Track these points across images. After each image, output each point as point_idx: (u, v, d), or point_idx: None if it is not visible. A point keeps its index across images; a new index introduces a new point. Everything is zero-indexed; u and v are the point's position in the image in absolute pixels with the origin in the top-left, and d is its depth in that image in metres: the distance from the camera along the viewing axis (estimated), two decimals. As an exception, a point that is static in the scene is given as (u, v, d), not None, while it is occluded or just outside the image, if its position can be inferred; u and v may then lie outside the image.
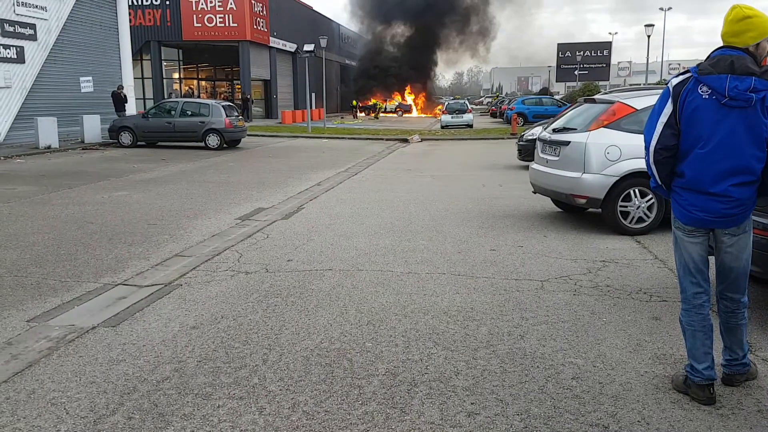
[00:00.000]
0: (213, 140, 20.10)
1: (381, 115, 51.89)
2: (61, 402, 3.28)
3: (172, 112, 20.80)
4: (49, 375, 3.60)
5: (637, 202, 7.18)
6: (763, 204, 3.93)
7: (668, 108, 3.17)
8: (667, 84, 3.30)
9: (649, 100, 6.96)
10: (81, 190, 11.22)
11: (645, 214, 7.22)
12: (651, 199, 7.17)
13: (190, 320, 4.48)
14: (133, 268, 5.91)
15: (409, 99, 61.34)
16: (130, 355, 3.87)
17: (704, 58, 3.23)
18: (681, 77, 3.22)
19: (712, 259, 3.33)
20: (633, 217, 7.23)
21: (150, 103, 34.48)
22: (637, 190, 7.15)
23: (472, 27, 66.75)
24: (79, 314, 4.64)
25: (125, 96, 23.80)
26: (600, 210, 7.44)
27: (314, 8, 53.82)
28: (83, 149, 20.14)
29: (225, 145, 20.29)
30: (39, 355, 3.88)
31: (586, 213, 8.46)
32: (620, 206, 7.21)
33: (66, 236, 7.30)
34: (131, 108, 24.92)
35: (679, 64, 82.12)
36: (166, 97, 37.58)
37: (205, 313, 4.64)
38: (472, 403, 3.23)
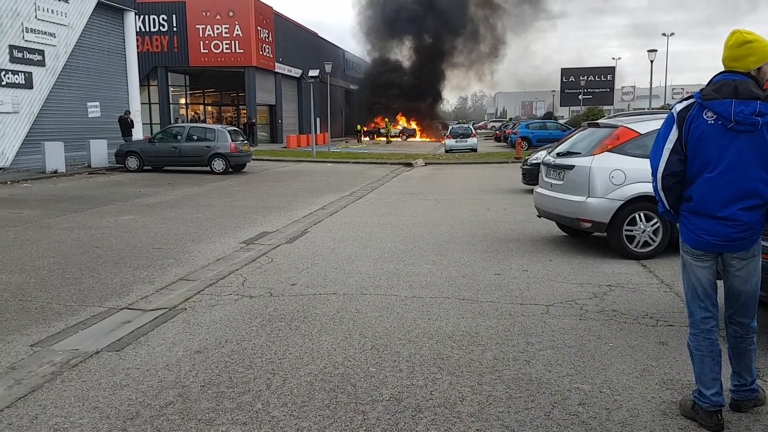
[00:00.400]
0: (218, 165, 20.23)
1: (383, 139, 52.07)
2: (63, 428, 3.26)
3: (179, 137, 20.99)
4: (52, 400, 3.59)
5: (642, 226, 7.17)
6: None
7: (674, 134, 3.18)
8: (670, 110, 3.32)
9: (653, 124, 6.99)
10: (87, 214, 11.28)
11: (651, 238, 7.20)
12: (656, 223, 7.16)
13: (194, 345, 4.47)
14: (138, 292, 5.91)
15: (413, 124, 61.73)
16: (134, 380, 3.85)
17: (706, 83, 3.26)
18: (684, 103, 3.23)
19: (719, 284, 3.32)
20: (638, 241, 7.21)
21: (157, 128, 34.81)
22: (642, 214, 7.15)
23: (479, 49, 67.42)
24: (83, 339, 4.64)
25: (132, 121, 24.05)
26: (605, 234, 7.43)
27: (319, 34, 54.51)
28: (90, 173, 20.29)
29: (230, 170, 20.42)
30: (42, 380, 3.87)
31: (592, 237, 8.45)
32: (626, 230, 7.19)
33: (71, 260, 7.33)
34: (138, 133, 25.17)
35: (683, 89, 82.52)
36: (173, 121, 37.95)
37: (209, 337, 4.63)
38: (477, 430, 3.20)
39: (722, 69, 3.20)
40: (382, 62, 62.24)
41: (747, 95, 3.02)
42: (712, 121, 3.09)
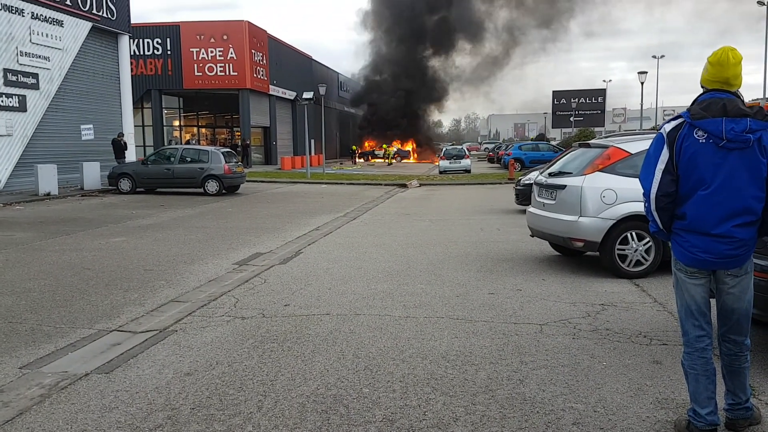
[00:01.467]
0: (212, 186, 20.21)
1: (377, 161, 52.19)
2: (50, 451, 3.20)
3: (172, 159, 20.99)
4: (40, 423, 3.53)
5: (634, 246, 7.19)
6: (760, 245, 3.94)
7: (665, 154, 3.19)
8: (659, 130, 3.33)
9: (644, 144, 7.05)
10: (79, 236, 11.22)
11: (643, 257, 7.21)
12: (648, 242, 7.18)
13: (185, 366, 4.42)
14: (129, 314, 5.86)
15: (405, 147, 61.97)
16: (123, 403, 3.80)
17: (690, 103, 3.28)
18: (674, 123, 3.23)
19: (713, 302, 3.32)
20: (631, 261, 7.22)
21: (150, 150, 34.81)
22: (634, 233, 7.17)
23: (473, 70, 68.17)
24: (73, 361, 4.59)
25: (125, 143, 24.07)
26: (598, 253, 7.44)
27: (313, 57, 54.94)
28: (82, 196, 20.23)
29: (224, 191, 20.40)
30: (31, 403, 3.81)
31: (585, 256, 8.46)
32: (618, 249, 7.21)
33: (62, 282, 7.27)
34: (131, 155, 25.17)
35: (674, 110, 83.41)
36: (166, 143, 37.97)
37: (200, 359, 4.58)
38: (471, 450, 3.16)
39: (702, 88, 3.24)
40: (375, 84, 62.62)
41: (737, 113, 3.05)
42: (704, 140, 3.10)
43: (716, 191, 3.08)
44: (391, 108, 59.54)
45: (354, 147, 54.33)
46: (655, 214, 3.26)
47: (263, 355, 4.64)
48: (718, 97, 3.12)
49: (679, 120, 3.22)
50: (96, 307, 6.15)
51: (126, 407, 3.73)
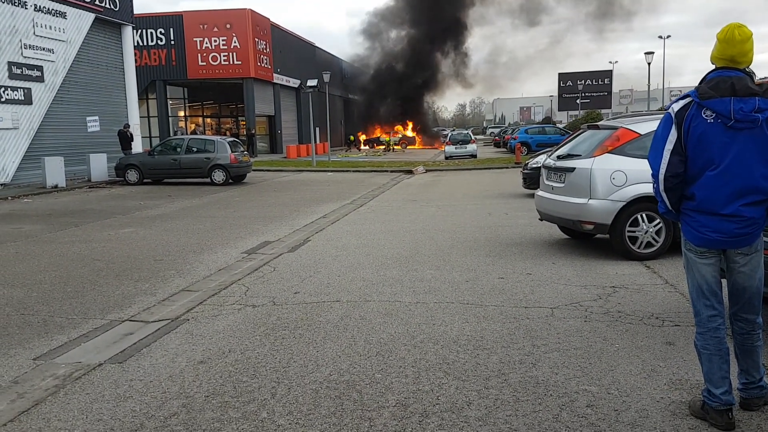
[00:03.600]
0: (218, 176, 20.24)
1: (382, 147, 51.89)
2: (67, 440, 3.23)
3: (178, 149, 21.01)
4: (56, 413, 3.56)
5: (645, 227, 7.15)
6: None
7: (673, 134, 3.15)
8: (667, 110, 3.29)
9: (653, 125, 6.95)
10: (87, 227, 11.27)
11: (653, 238, 7.18)
12: (659, 223, 7.14)
13: (198, 355, 4.45)
14: (140, 304, 5.89)
15: (409, 132, 61.72)
16: (137, 392, 3.83)
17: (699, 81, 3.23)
18: (681, 102, 3.19)
19: (724, 282, 3.30)
20: (641, 242, 7.19)
21: (156, 141, 34.86)
22: (644, 215, 7.13)
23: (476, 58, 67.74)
24: (86, 351, 4.62)
25: (131, 134, 24.09)
26: (608, 236, 7.40)
27: (316, 44, 54.67)
28: (90, 187, 20.31)
29: (230, 181, 20.43)
30: (45, 393, 3.84)
31: (594, 239, 8.42)
32: (628, 231, 7.17)
33: (73, 274, 7.31)
34: (137, 146, 25.21)
35: (680, 91, 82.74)
36: (172, 134, 37.99)
37: (213, 347, 4.61)
38: (485, 434, 3.17)
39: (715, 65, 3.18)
40: (378, 70, 62.19)
41: (745, 92, 3.00)
42: (712, 120, 3.06)
43: (725, 171, 3.05)
44: (393, 94, 59.18)
45: (351, 137, 54.15)
46: (663, 194, 3.24)
47: (275, 343, 4.65)
48: (727, 75, 3.07)
49: (687, 99, 3.17)
50: (107, 297, 6.18)
51: (140, 396, 3.76)
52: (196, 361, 4.31)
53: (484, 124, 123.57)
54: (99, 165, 22.08)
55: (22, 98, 20.73)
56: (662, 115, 3.33)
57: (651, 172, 3.28)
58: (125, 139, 23.56)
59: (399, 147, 54.37)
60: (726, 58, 3.11)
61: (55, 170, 19.84)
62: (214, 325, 5.16)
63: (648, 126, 7.19)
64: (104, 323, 5.30)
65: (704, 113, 3.08)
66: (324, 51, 56.66)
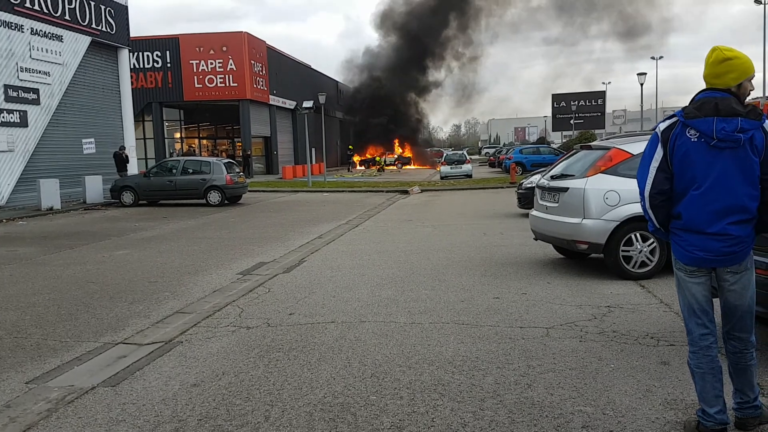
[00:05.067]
0: (214, 197, 20.25)
1: (381, 168, 52.09)
2: (58, 465, 3.20)
3: (174, 171, 21.05)
4: (47, 438, 3.53)
5: (639, 247, 7.17)
6: (763, 242, 3.93)
7: (659, 153, 3.22)
8: (654, 129, 3.35)
9: (645, 145, 7.04)
10: (82, 250, 11.24)
11: (647, 258, 7.20)
12: (653, 242, 7.17)
13: (191, 378, 4.42)
14: (134, 327, 5.86)
15: (397, 154, 61.92)
16: (130, 415, 3.80)
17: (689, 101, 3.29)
18: (668, 122, 3.27)
19: (716, 301, 3.31)
20: (636, 262, 7.21)
21: (152, 163, 34.90)
22: (638, 235, 7.15)
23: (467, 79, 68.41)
24: (79, 374, 4.59)
25: (127, 156, 24.14)
26: (602, 255, 7.42)
27: (312, 66, 55.09)
28: (85, 210, 20.28)
29: (226, 202, 20.44)
30: (38, 417, 3.81)
31: (589, 258, 8.44)
32: (622, 251, 7.19)
33: (66, 296, 7.28)
34: (133, 168, 25.24)
35: (673, 111, 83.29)
36: (168, 156, 38.05)
37: (206, 370, 4.58)
38: (480, 456, 3.15)
39: (704, 87, 3.24)
40: (371, 94, 62.55)
41: (728, 112, 3.05)
42: (695, 139, 3.12)
43: (708, 190, 3.09)
44: (386, 115, 59.48)
45: (351, 147, 54.74)
46: (650, 211, 3.29)
47: (269, 365, 4.63)
48: (712, 96, 3.14)
49: (673, 119, 3.25)
50: (101, 320, 6.15)
51: (133, 420, 3.73)
52: (190, 384, 4.29)
53: (480, 144, 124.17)
54: (94, 187, 22.08)
55: (18, 121, 20.79)
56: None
57: (638, 190, 3.34)
58: (121, 161, 23.60)
59: (394, 167, 54.56)
60: (706, 78, 3.19)
61: (50, 192, 19.82)
62: (208, 347, 5.14)
63: (640, 146, 7.24)
64: (97, 346, 5.27)
65: (688, 132, 3.14)
66: (319, 73, 57.11)
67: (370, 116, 60.10)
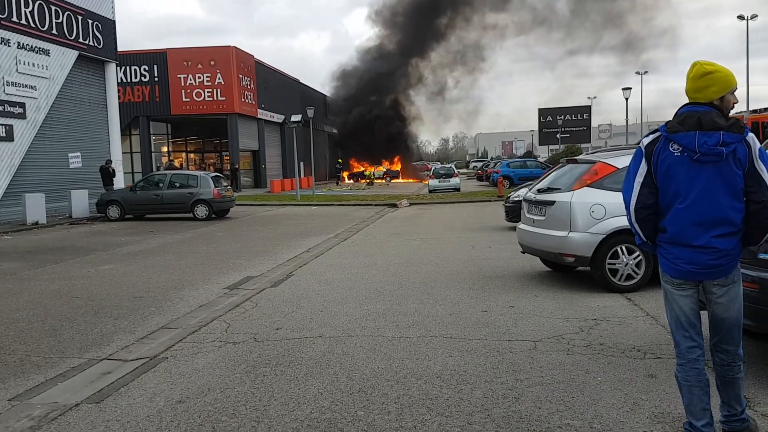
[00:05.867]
0: (201, 211, 20.15)
1: (370, 182, 52.10)
2: (40, 485, 3.14)
3: (160, 185, 20.93)
4: (29, 456, 3.46)
5: (625, 260, 7.21)
6: (749, 255, 3.96)
7: (643, 168, 3.25)
8: (638, 144, 3.39)
9: (629, 159, 7.10)
10: (67, 264, 11.12)
11: (633, 271, 7.23)
12: (639, 255, 7.20)
13: (176, 394, 4.37)
14: (119, 342, 5.79)
15: (385, 168, 61.98)
16: (114, 433, 3.74)
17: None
18: (651, 137, 3.30)
19: (704, 314, 3.33)
20: (622, 275, 7.24)
21: (138, 177, 34.70)
22: (624, 248, 7.19)
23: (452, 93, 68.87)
24: (63, 391, 4.51)
25: (113, 170, 23.98)
26: (589, 268, 7.45)
27: (301, 80, 55.20)
28: (71, 224, 20.09)
29: (213, 216, 20.33)
30: (19, 436, 3.74)
31: (576, 271, 8.47)
32: (608, 264, 7.23)
33: (51, 311, 7.18)
34: (119, 182, 25.06)
35: (657, 125, 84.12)
36: (155, 170, 37.87)
37: (192, 386, 4.53)
38: (468, 471, 3.13)
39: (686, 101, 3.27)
40: (358, 110, 62.63)
41: (710, 126, 3.08)
42: (678, 153, 3.15)
43: (693, 204, 3.12)
44: (372, 127, 59.44)
45: (339, 160, 54.80)
46: (636, 225, 3.31)
47: (256, 380, 4.59)
48: (695, 110, 3.17)
49: (656, 134, 3.28)
50: (85, 335, 6.08)
51: (117, 437, 3.67)
52: (175, 401, 4.23)
53: (467, 158, 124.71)
54: (80, 201, 21.88)
55: (4, 135, 20.59)
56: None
57: (624, 204, 3.36)
58: (107, 175, 23.43)
59: (383, 181, 54.63)
60: (688, 93, 3.22)
61: (35, 207, 19.62)
62: (194, 363, 5.08)
63: (625, 160, 7.31)
64: (82, 362, 5.20)
65: (671, 147, 3.17)
66: (308, 87, 57.24)
67: (358, 128, 60.07)
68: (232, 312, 6.90)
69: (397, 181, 57.47)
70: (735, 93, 3.21)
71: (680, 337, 3.27)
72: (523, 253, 8.69)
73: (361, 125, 59.08)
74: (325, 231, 15.92)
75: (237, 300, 7.56)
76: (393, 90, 61.79)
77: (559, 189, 7.84)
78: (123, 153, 28.93)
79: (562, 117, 66.24)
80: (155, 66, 39.11)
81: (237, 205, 23.10)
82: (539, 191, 8.28)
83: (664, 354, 4.86)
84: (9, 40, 20.93)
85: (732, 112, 3.33)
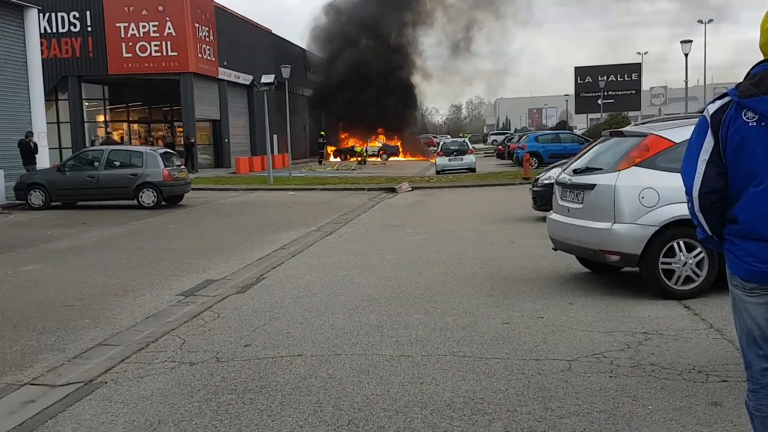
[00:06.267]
0: (148, 197, 20.14)
1: (363, 160, 52.06)
2: None
3: (96, 164, 20.89)
4: (-68, 507, 3.48)
5: (683, 258, 7.25)
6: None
7: (709, 142, 3.20)
8: (702, 112, 3.35)
9: (690, 131, 7.12)
10: (-22, 265, 11.12)
11: (694, 272, 7.27)
12: (700, 252, 7.24)
13: (118, 428, 4.40)
14: (45, 363, 5.82)
15: (381, 142, 61.96)
16: (40, 477, 3.76)
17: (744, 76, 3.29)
18: (719, 103, 3.24)
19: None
20: (679, 277, 7.28)
21: (68, 154, 34.62)
22: (682, 243, 7.23)
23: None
24: (-26, 425, 4.54)
25: (35, 145, 23.90)
26: (637, 269, 7.49)
27: (273, 32, 55.02)
28: (-18, 213, 20.06)
29: (163, 203, 20.35)
30: None
31: (621, 273, 8.52)
32: (662, 263, 7.26)
33: (-42, 324, 7.20)
34: (44, 160, 24.99)
35: (725, 88, 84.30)
36: (89, 145, 37.80)
37: (138, 418, 4.56)
38: None
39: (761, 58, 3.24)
40: (351, 68, 62.42)
41: None
42: (754, 123, 3.11)
43: None
44: (365, 85, 59.09)
45: (322, 132, 54.92)
46: (699, 215, 3.28)
47: (218, 411, 4.62)
48: None
49: (726, 99, 3.22)
50: (2, 354, 6.10)
51: (44, 482, 3.70)
52: (117, 436, 4.26)
53: (485, 130, 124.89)
54: (-6, 185, 21.84)
55: None
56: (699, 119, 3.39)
57: (684, 189, 3.34)
58: (28, 151, 23.36)
59: (378, 158, 54.63)
60: (763, 48, 3.19)
61: (-64, 191, 19.58)
62: (140, 389, 5.11)
63: (684, 132, 7.32)
64: (-2, 388, 5.23)
65: (745, 115, 3.13)
66: (283, 39, 57.07)
67: (346, 91, 59.68)
68: (189, 324, 6.94)
69: (397, 159, 57.52)
70: None
71: (753, 356, 3.28)
72: (554, 249, 8.73)
73: (351, 83, 58.31)
74: (304, 223, 15.96)
75: (194, 309, 7.59)
76: (397, 33, 61.53)
77: (601, 169, 7.86)
78: (48, 123, 28.83)
79: (605, 78, 66.03)
80: (87, 12, 38.91)
81: (193, 189, 23.12)
82: (575, 172, 8.31)
83: (731, 376, 4.91)
84: None
85: None
